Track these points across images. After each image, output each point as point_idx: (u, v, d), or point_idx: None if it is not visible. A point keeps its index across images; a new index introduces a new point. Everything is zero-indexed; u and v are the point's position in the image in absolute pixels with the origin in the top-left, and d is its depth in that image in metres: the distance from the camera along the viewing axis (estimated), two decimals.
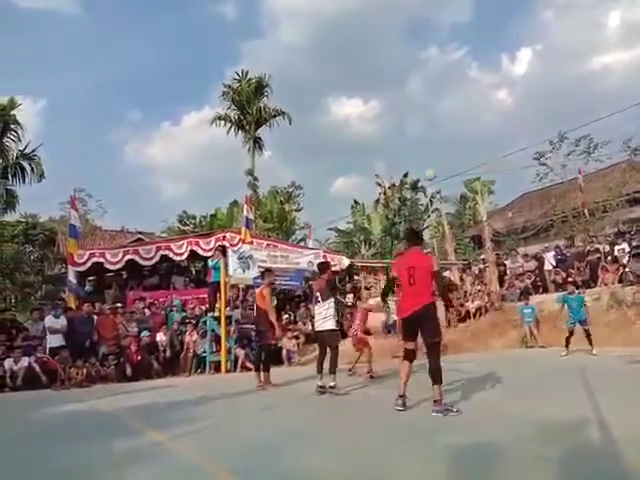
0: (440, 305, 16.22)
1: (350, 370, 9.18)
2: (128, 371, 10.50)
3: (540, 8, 69.43)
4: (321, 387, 6.89)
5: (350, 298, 15.60)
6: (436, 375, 4.93)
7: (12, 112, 23.73)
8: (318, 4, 64.35)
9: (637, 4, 51.78)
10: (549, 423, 4.18)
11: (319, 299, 7.15)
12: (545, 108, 61.13)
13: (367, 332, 9.76)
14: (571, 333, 10.37)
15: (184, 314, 12.91)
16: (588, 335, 10.29)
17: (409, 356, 5.15)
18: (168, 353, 11.52)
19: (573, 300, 10.84)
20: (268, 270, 8.95)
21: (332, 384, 6.81)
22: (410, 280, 5.09)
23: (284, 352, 12.03)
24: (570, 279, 14.59)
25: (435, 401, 4.89)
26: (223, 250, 12.27)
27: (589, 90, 59.58)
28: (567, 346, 10.21)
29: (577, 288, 11.96)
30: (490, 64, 74.96)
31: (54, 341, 10.47)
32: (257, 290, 8.92)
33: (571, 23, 64.27)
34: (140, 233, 24.06)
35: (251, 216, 15.51)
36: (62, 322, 10.72)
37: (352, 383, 7.74)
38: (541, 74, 61.49)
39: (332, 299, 7.09)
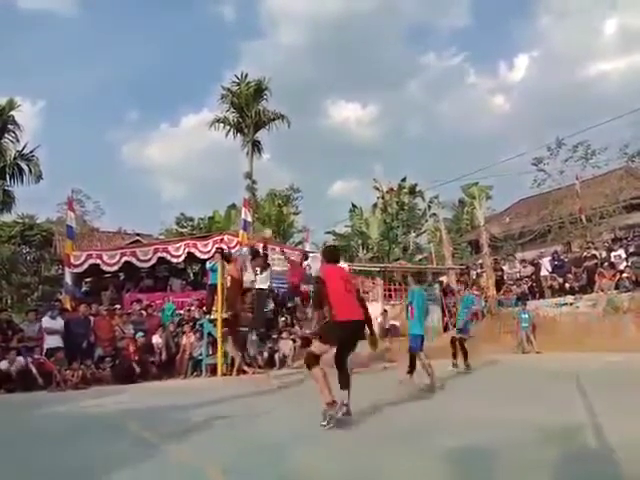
0: (437, 310, 16.32)
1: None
2: (125, 373, 10.47)
3: (537, 15, 69.84)
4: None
5: None
6: (347, 382, 4.83)
7: (11, 113, 23.73)
8: (317, 7, 64.61)
9: (633, 11, 52.09)
10: (544, 427, 4.18)
11: None
12: (542, 114, 61.42)
13: None
14: (453, 341, 9.65)
15: (178, 317, 12.87)
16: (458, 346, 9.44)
17: (317, 361, 4.70)
18: (164, 355, 11.50)
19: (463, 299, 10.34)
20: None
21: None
22: (347, 287, 4.92)
23: (280, 354, 12.02)
24: (567, 285, 14.68)
25: (344, 404, 4.70)
26: (222, 253, 12.27)
27: (586, 96, 59.91)
28: (454, 356, 9.49)
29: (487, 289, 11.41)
30: (488, 70, 75.35)
31: (51, 342, 10.43)
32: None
33: (568, 30, 64.67)
34: (138, 235, 24.04)
35: (249, 219, 15.51)
36: (59, 323, 10.69)
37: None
38: (538, 80, 61.81)
39: None
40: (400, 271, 17.21)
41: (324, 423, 4.43)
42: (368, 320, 5.12)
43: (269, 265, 11.83)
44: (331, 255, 5.37)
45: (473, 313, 10.15)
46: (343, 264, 16.46)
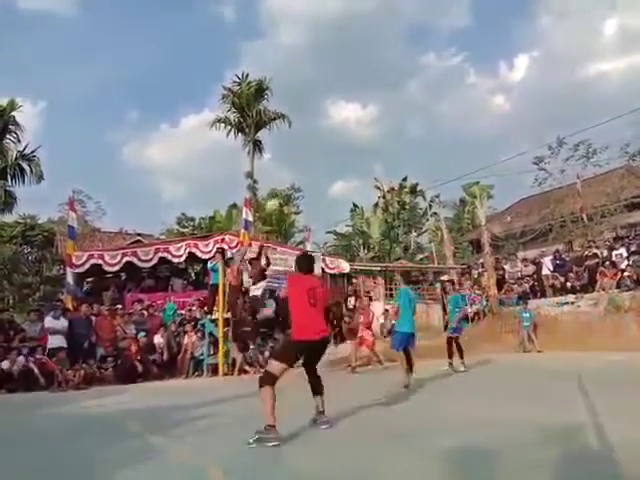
0: (438, 308, 16.29)
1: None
2: (127, 373, 10.48)
3: (537, 15, 69.74)
4: None
5: (352, 301, 15.62)
6: (320, 388, 4.78)
7: (12, 113, 23.76)
8: (317, 7, 64.58)
9: (633, 11, 51.99)
10: (545, 427, 4.18)
11: None
12: (543, 113, 61.34)
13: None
14: (449, 341, 9.47)
15: (180, 317, 12.89)
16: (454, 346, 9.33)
17: (273, 381, 4.36)
18: (165, 355, 11.51)
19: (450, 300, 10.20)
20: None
21: None
22: (311, 301, 4.67)
23: None
24: (568, 283, 14.67)
25: (320, 412, 4.72)
26: (222, 253, 12.30)
27: (586, 96, 59.84)
28: (450, 356, 9.37)
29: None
30: (488, 70, 75.27)
31: (54, 342, 10.44)
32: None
33: (568, 30, 64.58)
34: (139, 235, 24.05)
35: (250, 218, 15.50)
36: (62, 323, 10.70)
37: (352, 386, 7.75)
38: (538, 80, 61.73)
39: None
40: (401, 271, 17.22)
41: (250, 441, 4.01)
42: (335, 320, 5.16)
43: (265, 277, 11.97)
44: (305, 264, 5.12)
45: (464, 312, 10.05)
46: (344, 264, 16.65)
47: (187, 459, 3.84)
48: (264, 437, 4.03)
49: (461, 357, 9.37)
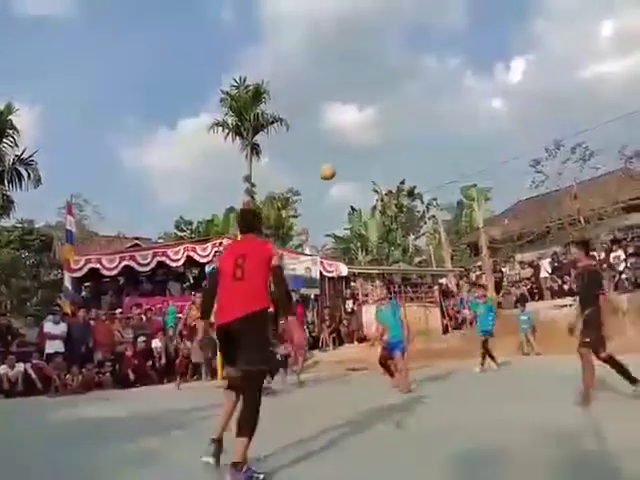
0: (436, 312, 16.30)
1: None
2: (124, 377, 10.46)
3: (534, 18, 69.99)
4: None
5: (350, 304, 15.63)
6: (246, 422, 3.21)
7: (9, 117, 23.73)
8: (315, 10, 64.72)
9: (629, 13, 52.28)
10: (544, 429, 4.18)
11: None
12: (540, 116, 61.51)
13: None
14: (484, 345, 9.59)
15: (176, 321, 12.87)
16: (484, 347, 9.50)
17: (233, 384, 3.53)
18: (163, 359, 11.49)
19: (480, 306, 10.26)
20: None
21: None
22: (236, 273, 3.47)
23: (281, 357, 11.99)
24: (566, 286, 14.69)
25: (235, 464, 3.10)
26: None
27: (583, 98, 60.03)
28: (483, 359, 9.52)
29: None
30: (485, 72, 75.48)
31: (52, 347, 10.43)
32: None
33: (565, 33, 64.81)
34: (137, 239, 24.02)
35: None
36: (62, 328, 10.70)
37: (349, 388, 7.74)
38: (535, 82, 61.90)
39: None
40: (399, 273, 17.25)
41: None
42: (285, 307, 3.67)
43: None
44: (243, 221, 3.90)
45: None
46: (343, 267, 16.65)
47: (186, 462, 3.83)
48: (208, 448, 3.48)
49: (483, 359, 9.58)
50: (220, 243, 14.47)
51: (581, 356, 5.32)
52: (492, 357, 9.64)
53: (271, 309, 3.63)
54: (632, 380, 5.34)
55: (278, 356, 8.85)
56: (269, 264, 3.52)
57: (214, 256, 12.65)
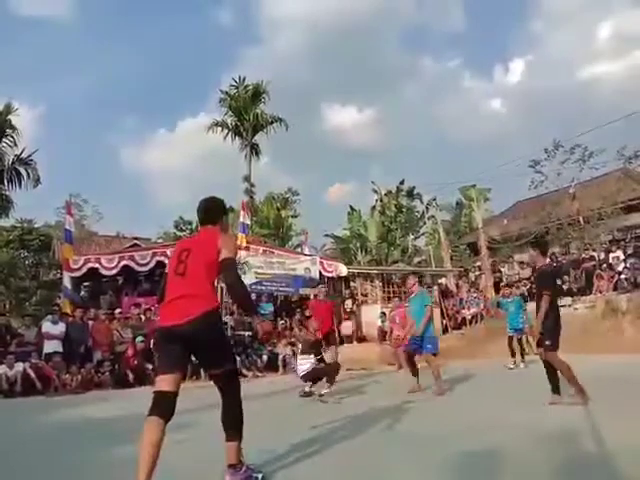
0: (436, 312, 16.34)
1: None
2: (124, 377, 10.44)
3: (533, 19, 70.03)
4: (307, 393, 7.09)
5: (349, 304, 15.63)
6: (235, 424, 3.07)
7: (8, 117, 23.70)
8: (314, 11, 64.71)
9: (627, 14, 52.33)
10: (542, 431, 4.19)
11: None
12: (539, 117, 61.57)
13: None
14: (510, 340, 9.91)
15: None
16: (520, 345, 9.76)
17: (159, 404, 2.87)
18: None
19: (510, 304, 10.34)
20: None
21: (323, 392, 6.90)
22: (178, 268, 3.06)
23: (280, 358, 12.02)
24: (565, 286, 14.70)
25: (232, 465, 3.04)
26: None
27: (582, 99, 60.11)
28: (512, 356, 9.77)
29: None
30: (484, 73, 75.53)
31: (50, 347, 10.43)
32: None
33: (563, 34, 64.85)
34: (136, 239, 23.98)
35: (247, 222, 15.51)
36: (60, 328, 10.70)
37: (346, 389, 7.74)
38: (534, 83, 61.97)
39: None
40: (398, 273, 17.25)
41: None
42: (241, 304, 3.38)
43: None
44: (203, 211, 3.40)
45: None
46: (342, 268, 16.65)
47: (185, 463, 3.83)
48: None
49: (513, 356, 9.77)
50: None
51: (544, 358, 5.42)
52: (513, 354, 9.81)
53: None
54: (555, 389, 5.38)
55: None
56: (217, 258, 3.00)
57: None
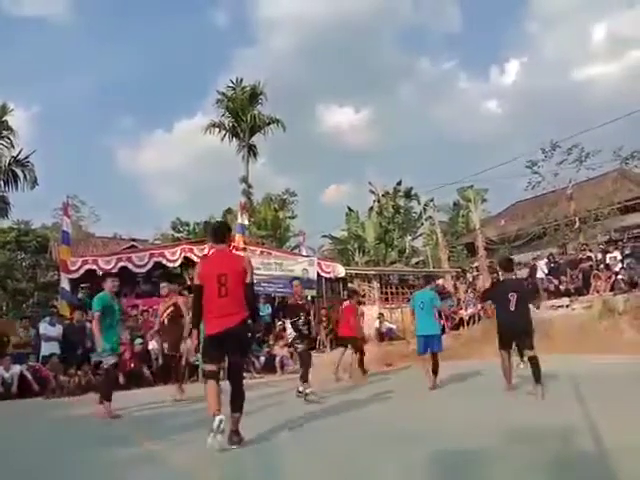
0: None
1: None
2: (121, 379, 10.39)
3: (528, 20, 70.26)
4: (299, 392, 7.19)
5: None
6: (239, 400, 4.26)
7: (4, 118, 23.63)
8: (310, 12, 64.76)
9: (622, 15, 52.54)
10: (539, 430, 4.19)
11: None
12: (536, 117, 61.75)
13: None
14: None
15: None
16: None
17: (214, 376, 4.29)
18: (160, 361, 11.44)
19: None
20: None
21: (306, 390, 7.02)
22: (221, 291, 4.18)
23: (277, 360, 12.01)
24: (562, 287, 14.73)
25: (236, 431, 4.18)
26: None
27: (578, 99, 60.32)
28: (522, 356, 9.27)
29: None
30: (480, 74, 75.72)
31: (48, 349, 10.39)
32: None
33: (559, 35, 65.09)
34: (133, 240, 23.96)
35: (245, 222, 15.51)
36: (58, 330, 10.68)
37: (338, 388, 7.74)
38: (530, 84, 62.15)
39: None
40: (396, 274, 17.26)
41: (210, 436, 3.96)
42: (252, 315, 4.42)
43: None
44: (218, 234, 4.52)
45: None
46: (340, 268, 16.64)
47: (183, 465, 3.83)
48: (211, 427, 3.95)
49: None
50: None
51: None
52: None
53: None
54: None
55: None
56: (245, 279, 4.29)
57: None
